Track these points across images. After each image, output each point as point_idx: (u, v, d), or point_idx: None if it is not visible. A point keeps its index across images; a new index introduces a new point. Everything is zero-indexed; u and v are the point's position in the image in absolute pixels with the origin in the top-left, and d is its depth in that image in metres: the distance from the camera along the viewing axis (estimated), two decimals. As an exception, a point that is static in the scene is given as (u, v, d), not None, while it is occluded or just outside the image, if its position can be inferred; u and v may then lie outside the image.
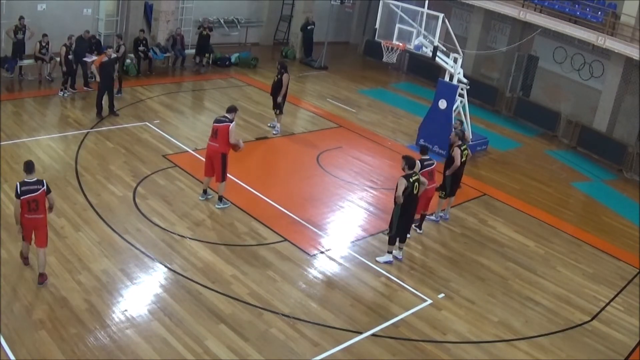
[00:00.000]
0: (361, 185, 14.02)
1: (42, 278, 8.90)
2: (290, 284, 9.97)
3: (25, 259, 9.26)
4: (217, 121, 11.79)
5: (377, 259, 11.04)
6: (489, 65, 22.68)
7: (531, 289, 11.00)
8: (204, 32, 20.60)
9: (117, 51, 16.51)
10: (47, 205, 8.87)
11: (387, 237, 11.03)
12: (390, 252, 11.05)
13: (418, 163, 11.38)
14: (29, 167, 8.72)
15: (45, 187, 8.71)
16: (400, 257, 11.15)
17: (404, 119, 19.25)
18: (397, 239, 10.96)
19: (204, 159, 12.23)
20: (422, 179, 10.80)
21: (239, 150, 11.86)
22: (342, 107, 19.36)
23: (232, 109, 11.86)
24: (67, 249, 9.84)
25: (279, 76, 15.92)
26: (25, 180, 8.66)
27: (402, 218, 10.63)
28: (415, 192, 10.55)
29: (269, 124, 16.55)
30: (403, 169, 10.53)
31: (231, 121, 11.64)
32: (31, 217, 8.69)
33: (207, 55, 20.96)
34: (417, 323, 9.49)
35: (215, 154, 11.64)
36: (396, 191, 10.38)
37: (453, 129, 13.34)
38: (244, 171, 13.39)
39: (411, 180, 10.42)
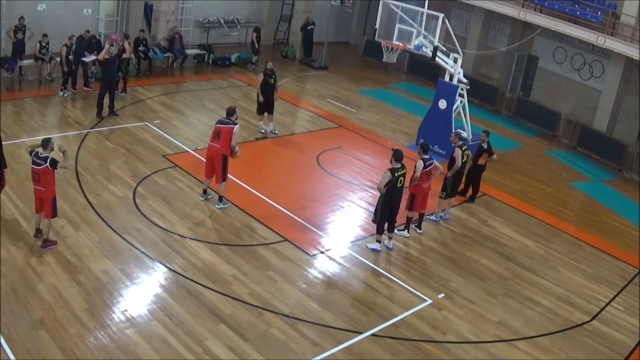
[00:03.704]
0: (361, 185, 14.02)
1: (45, 243, 9.70)
2: (290, 284, 9.97)
3: (36, 231, 9.91)
4: (220, 122, 11.74)
5: (367, 244, 11.36)
6: (489, 65, 22.67)
7: (531, 289, 11.00)
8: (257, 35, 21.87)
9: (124, 51, 16.47)
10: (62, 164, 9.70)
11: (375, 225, 11.25)
12: (379, 242, 11.27)
13: (421, 162, 11.44)
14: (43, 143, 9.56)
15: (48, 164, 9.35)
16: (391, 246, 11.39)
17: (404, 119, 19.25)
18: (386, 229, 11.21)
19: (204, 159, 12.22)
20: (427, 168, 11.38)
21: (235, 157, 11.82)
22: (342, 107, 19.35)
23: (232, 111, 11.80)
24: (67, 249, 9.84)
25: (275, 77, 15.83)
26: (38, 152, 9.49)
27: (386, 208, 10.92)
28: (399, 185, 10.82)
29: (261, 130, 16.08)
30: (390, 162, 10.78)
31: (235, 123, 11.63)
32: (35, 187, 9.61)
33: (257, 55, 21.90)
34: (417, 323, 9.49)
35: (217, 154, 11.62)
36: (379, 182, 10.74)
37: (463, 134, 13.53)
38: (244, 171, 13.39)
39: (396, 174, 10.67)
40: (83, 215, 10.91)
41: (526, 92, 21.99)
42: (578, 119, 19.53)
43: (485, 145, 13.61)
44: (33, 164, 9.45)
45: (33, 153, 9.53)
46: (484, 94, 21.33)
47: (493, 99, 21.63)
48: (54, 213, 9.63)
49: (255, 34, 21.86)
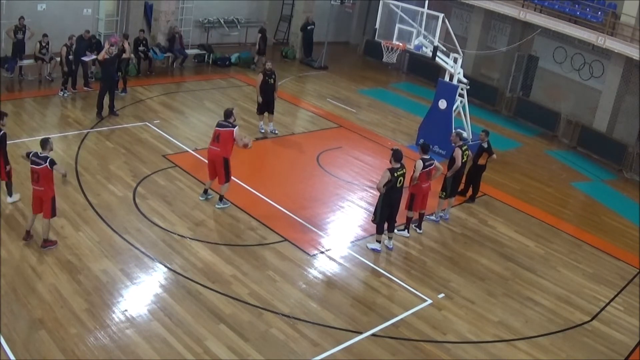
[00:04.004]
0: (361, 185, 14.02)
1: (45, 243, 9.69)
2: (290, 284, 9.97)
3: (26, 234, 9.81)
4: (219, 125, 11.73)
5: (367, 244, 11.37)
6: (489, 65, 22.67)
7: (531, 289, 11.00)
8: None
9: (124, 51, 16.46)
10: (57, 174, 9.63)
11: (375, 225, 11.25)
12: (379, 242, 11.29)
13: (420, 162, 11.44)
14: (42, 143, 9.61)
15: (47, 163, 9.34)
16: (391, 246, 11.41)
17: (404, 119, 19.25)
18: (386, 229, 11.23)
19: (204, 159, 12.22)
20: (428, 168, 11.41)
21: (249, 148, 12.00)
22: (342, 107, 19.35)
23: (229, 113, 11.82)
24: (67, 249, 9.84)
25: (274, 77, 15.83)
26: (37, 152, 9.51)
27: (386, 208, 10.94)
28: (398, 185, 10.83)
29: (261, 130, 16.07)
30: (390, 162, 10.79)
31: (234, 126, 11.64)
32: (34, 187, 9.56)
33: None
34: (417, 323, 9.49)
35: (217, 157, 11.62)
36: (379, 182, 10.76)
37: (466, 134, 13.54)
38: (244, 171, 13.39)
39: (395, 174, 10.68)
40: (83, 215, 10.91)
41: (526, 92, 21.99)
42: (578, 119, 19.53)
43: (485, 145, 13.62)
44: (32, 163, 9.43)
45: (32, 154, 9.52)
46: (484, 94, 21.33)
47: (493, 99, 21.63)
48: (53, 212, 9.64)
49: (260, 35, 21.84)
